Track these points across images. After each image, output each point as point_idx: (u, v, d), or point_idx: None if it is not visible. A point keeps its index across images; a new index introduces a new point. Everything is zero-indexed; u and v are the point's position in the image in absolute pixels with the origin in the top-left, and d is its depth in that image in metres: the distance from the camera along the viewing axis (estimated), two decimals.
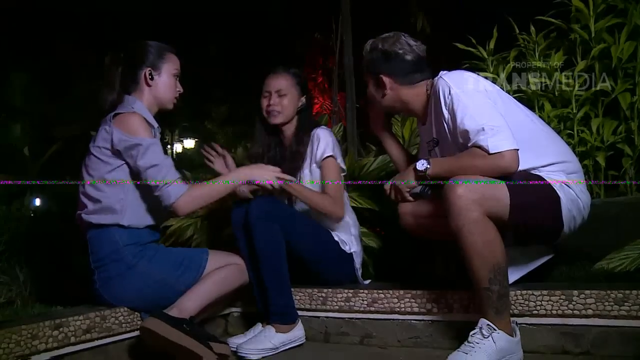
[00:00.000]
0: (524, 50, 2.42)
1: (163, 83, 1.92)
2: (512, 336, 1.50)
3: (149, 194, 1.83)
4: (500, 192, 1.55)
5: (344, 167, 2.12)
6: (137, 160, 1.76)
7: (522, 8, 2.52)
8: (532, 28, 2.38)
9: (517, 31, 2.44)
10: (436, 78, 1.75)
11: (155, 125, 1.90)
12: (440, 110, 1.71)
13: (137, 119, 1.79)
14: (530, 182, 1.60)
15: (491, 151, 1.54)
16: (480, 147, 1.56)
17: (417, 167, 1.71)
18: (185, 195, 1.77)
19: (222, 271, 1.89)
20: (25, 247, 2.53)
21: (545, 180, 1.62)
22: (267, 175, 1.90)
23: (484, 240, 1.49)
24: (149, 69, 1.89)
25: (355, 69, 3.71)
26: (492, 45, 2.46)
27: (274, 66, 2.19)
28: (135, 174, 1.80)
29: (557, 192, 1.60)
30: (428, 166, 1.69)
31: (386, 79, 1.81)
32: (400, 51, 1.79)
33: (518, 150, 1.55)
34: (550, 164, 1.65)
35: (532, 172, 1.64)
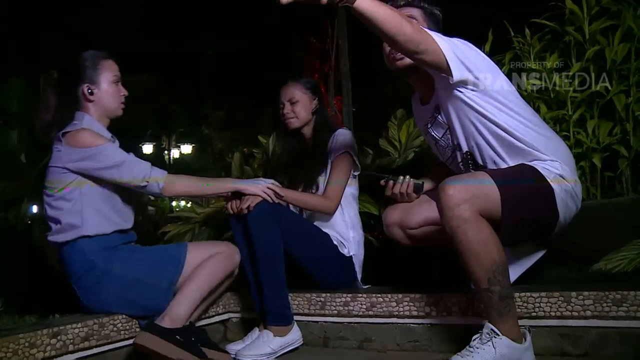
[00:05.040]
0: (519, 53, 2.42)
1: (105, 93, 1.89)
2: (520, 342, 1.46)
3: (109, 198, 1.84)
4: (490, 189, 1.53)
5: (358, 163, 2.21)
6: (103, 165, 1.77)
7: (516, 11, 2.53)
8: (527, 31, 2.39)
9: (512, 34, 2.45)
10: None
11: (109, 135, 1.89)
12: None
13: (86, 132, 1.80)
14: (521, 177, 1.59)
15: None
16: None
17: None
18: (167, 177, 1.84)
19: (207, 264, 1.84)
20: (22, 255, 2.52)
21: (538, 172, 1.60)
22: (254, 189, 1.92)
23: (479, 240, 1.46)
24: (87, 85, 1.87)
25: (352, 73, 3.72)
26: (487, 48, 2.46)
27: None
28: (106, 180, 1.80)
29: (550, 183, 1.59)
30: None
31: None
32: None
33: None
34: (549, 159, 1.64)
35: (527, 164, 1.63)
